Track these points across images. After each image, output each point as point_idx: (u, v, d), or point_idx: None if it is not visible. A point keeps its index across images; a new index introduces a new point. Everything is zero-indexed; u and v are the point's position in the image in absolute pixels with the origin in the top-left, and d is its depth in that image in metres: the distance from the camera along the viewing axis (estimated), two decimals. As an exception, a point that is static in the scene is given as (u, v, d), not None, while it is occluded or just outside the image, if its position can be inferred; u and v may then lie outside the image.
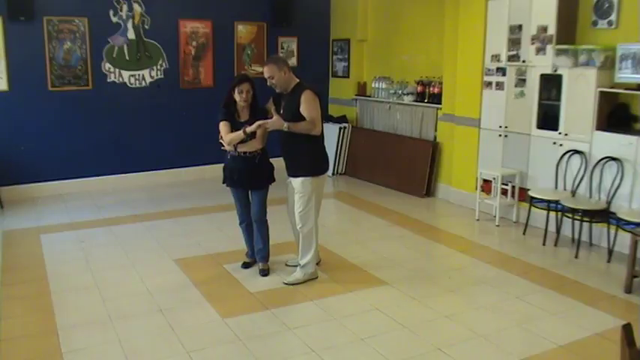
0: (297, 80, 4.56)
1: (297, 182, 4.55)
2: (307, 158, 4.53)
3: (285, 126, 4.36)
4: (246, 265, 5.00)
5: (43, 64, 7.25)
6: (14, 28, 6.99)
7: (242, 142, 4.53)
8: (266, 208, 4.76)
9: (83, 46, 7.43)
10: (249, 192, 4.77)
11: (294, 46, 9.02)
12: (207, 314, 4.14)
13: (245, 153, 4.59)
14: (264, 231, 4.80)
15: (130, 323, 4.00)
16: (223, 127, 4.57)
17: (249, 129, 4.43)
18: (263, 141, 4.60)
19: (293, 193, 4.65)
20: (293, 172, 4.59)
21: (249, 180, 4.68)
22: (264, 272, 4.81)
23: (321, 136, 4.56)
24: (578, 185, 5.64)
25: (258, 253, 4.87)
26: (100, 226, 6.21)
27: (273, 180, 4.75)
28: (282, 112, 4.53)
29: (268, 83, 4.53)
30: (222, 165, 4.81)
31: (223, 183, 4.82)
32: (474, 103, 6.75)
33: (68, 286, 4.64)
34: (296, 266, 4.82)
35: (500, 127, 6.43)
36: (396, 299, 4.41)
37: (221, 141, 4.63)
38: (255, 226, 4.81)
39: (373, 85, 8.60)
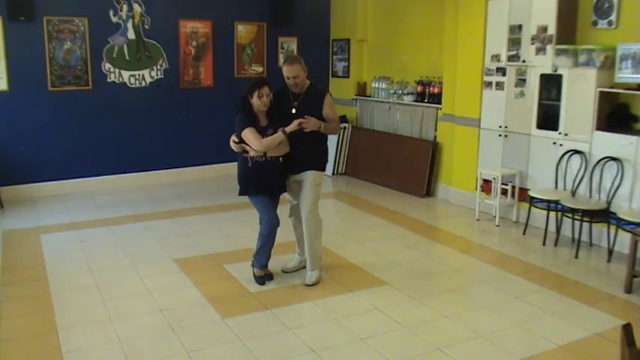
0: (309, 81, 4.57)
1: (309, 175, 4.53)
2: (321, 153, 4.65)
3: (322, 127, 4.42)
4: (262, 280, 4.66)
5: (43, 64, 7.24)
6: (14, 28, 6.99)
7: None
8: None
9: (83, 46, 7.43)
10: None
11: (294, 46, 9.01)
12: (207, 314, 4.14)
13: (272, 157, 4.42)
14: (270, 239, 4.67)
15: (130, 323, 4.00)
16: (251, 133, 4.32)
17: (289, 129, 4.35)
18: (289, 143, 4.47)
19: (297, 191, 4.63)
20: (306, 167, 4.53)
21: (278, 184, 4.56)
22: (271, 277, 4.73)
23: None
24: (578, 185, 5.64)
25: (267, 259, 4.71)
26: (100, 226, 6.21)
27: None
28: (294, 112, 4.46)
29: (291, 82, 4.43)
30: (239, 175, 4.54)
31: (244, 194, 4.53)
32: (474, 103, 6.75)
33: (68, 286, 4.64)
34: (294, 271, 4.85)
35: (500, 127, 6.42)
36: (396, 299, 4.41)
37: (243, 146, 4.40)
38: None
39: (373, 85, 8.60)
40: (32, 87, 7.21)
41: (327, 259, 5.15)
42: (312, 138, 4.47)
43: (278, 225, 4.57)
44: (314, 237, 4.64)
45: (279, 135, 4.35)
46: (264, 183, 4.48)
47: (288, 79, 4.43)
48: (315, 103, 4.46)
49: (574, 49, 5.59)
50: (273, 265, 4.85)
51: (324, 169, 4.68)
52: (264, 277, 4.67)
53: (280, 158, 4.48)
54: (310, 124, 4.37)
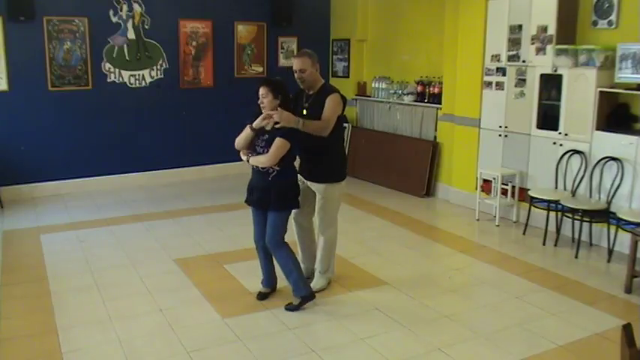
0: (323, 81, 4.36)
1: (322, 187, 4.31)
2: (334, 162, 4.36)
3: (300, 123, 4.01)
4: (262, 296, 4.36)
5: (43, 64, 7.24)
6: (14, 28, 6.99)
7: (257, 153, 4.06)
8: (279, 234, 4.15)
9: (83, 46, 7.43)
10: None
11: (294, 46, 9.01)
12: (207, 314, 4.14)
13: (258, 167, 4.10)
14: (280, 260, 4.22)
15: (130, 323, 4.01)
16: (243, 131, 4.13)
17: (255, 123, 4.00)
18: (274, 158, 3.98)
19: (306, 198, 4.43)
20: (317, 178, 4.33)
21: (262, 198, 4.12)
22: (289, 307, 4.21)
23: (343, 141, 4.49)
24: (578, 185, 5.63)
25: (269, 279, 4.40)
26: (100, 226, 6.21)
27: (293, 205, 4.19)
28: (305, 113, 4.26)
29: (297, 76, 4.22)
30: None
31: (245, 201, 4.32)
32: (474, 103, 6.74)
33: (68, 286, 4.64)
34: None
35: (500, 127, 6.42)
36: (396, 299, 4.41)
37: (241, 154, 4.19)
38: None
39: (373, 85, 8.60)
40: (32, 87, 7.21)
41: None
42: (322, 145, 4.20)
43: (259, 243, 4.28)
44: (328, 249, 4.49)
45: (244, 130, 4.07)
46: (250, 192, 4.22)
47: (295, 72, 4.23)
48: (323, 104, 4.17)
49: (574, 49, 5.60)
50: (281, 278, 4.81)
51: (338, 180, 4.36)
52: (263, 294, 4.38)
53: (271, 173, 4.07)
54: (282, 117, 3.94)
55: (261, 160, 4.04)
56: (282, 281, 4.67)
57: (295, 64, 4.22)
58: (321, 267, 4.54)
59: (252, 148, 4.13)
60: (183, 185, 8.08)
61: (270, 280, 4.42)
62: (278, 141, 3.97)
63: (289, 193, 4.14)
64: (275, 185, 4.08)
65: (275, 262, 4.34)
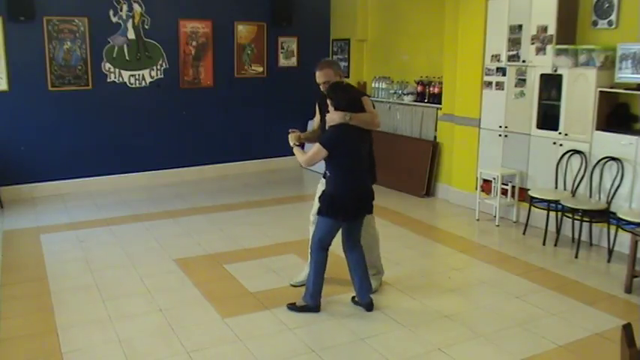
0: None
1: None
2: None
3: (347, 117, 3.93)
4: (355, 301, 4.31)
5: (43, 64, 7.24)
6: (14, 28, 6.99)
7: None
8: (317, 237, 4.13)
9: (83, 46, 7.43)
10: None
11: (294, 46, 9.02)
12: (207, 314, 4.14)
13: None
14: (310, 262, 4.22)
15: (130, 323, 4.01)
16: None
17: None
18: (307, 159, 4.04)
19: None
20: None
21: None
22: (290, 306, 4.21)
23: None
24: (578, 185, 5.63)
25: (362, 291, 4.24)
26: (100, 226, 6.21)
27: (325, 213, 4.03)
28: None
29: (322, 89, 4.18)
30: None
31: None
32: (474, 103, 6.75)
33: (68, 286, 4.64)
34: (299, 286, 4.60)
35: (500, 127, 6.42)
36: (396, 299, 4.41)
37: None
38: None
39: (373, 85, 8.60)
40: (32, 87, 7.21)
41: (327, 259, 5.14)
42: None
43: (345, 248, 4.30)
44: (369, 251, 4.37)
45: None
46: None
47: (319, 85, 4.21)
48: None
49: (574, 49, 5.60)
50: (276, 262, 4.81)
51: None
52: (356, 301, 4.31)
53: (325, 176, 4.12)
54: (328, 118, 4.00)
55: (298, 158, 4.17)
56: (282, 281, 4.69)
57: (318, 77, 4.19)
58: (370, 269, 4.46)
59: None
60: (183, 185, 8.07)
61: (360, 293, 4.21)
62: (315, 145, 3.99)
63: (326, 201, 4.03)
64: (325, 189, 4.10)
65: (363, 271, 4.22)
